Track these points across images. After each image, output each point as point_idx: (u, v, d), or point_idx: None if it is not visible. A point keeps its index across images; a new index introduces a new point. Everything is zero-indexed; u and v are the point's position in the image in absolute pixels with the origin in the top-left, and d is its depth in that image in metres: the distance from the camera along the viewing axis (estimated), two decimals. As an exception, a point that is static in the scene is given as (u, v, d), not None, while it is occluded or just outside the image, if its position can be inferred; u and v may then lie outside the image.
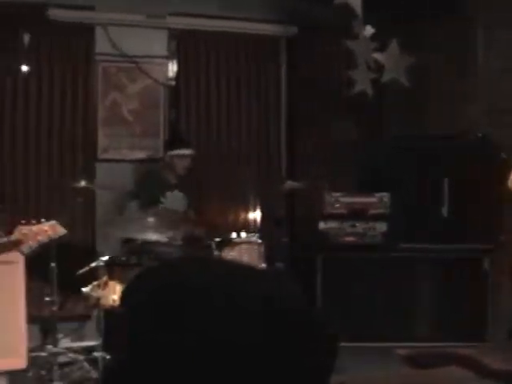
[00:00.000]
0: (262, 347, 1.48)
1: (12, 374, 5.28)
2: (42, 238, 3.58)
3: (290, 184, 6.69)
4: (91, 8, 7.38)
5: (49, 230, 3.64)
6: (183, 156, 6.84)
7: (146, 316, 1.46)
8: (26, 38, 7.05)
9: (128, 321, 1.53)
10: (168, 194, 6.83)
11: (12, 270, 5.28)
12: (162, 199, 6.76)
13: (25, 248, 3.55)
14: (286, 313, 1.26)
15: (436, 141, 7.34)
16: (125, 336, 1.71)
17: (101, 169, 7.53)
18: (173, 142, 7.16)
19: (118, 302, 2.34)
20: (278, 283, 1.34)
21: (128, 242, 6.26)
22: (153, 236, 6.13)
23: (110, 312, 5.22)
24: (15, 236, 3.52)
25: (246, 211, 7.77)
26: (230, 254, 5.81)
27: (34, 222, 3.64)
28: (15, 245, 3.50)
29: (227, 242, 5.95)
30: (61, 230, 3.68)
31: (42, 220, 3.69)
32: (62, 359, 5.56)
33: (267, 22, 7.94)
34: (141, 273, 1.99)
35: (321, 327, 1.36)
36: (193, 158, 6.91)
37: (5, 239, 3.53)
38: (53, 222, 3.68)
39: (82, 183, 5.94)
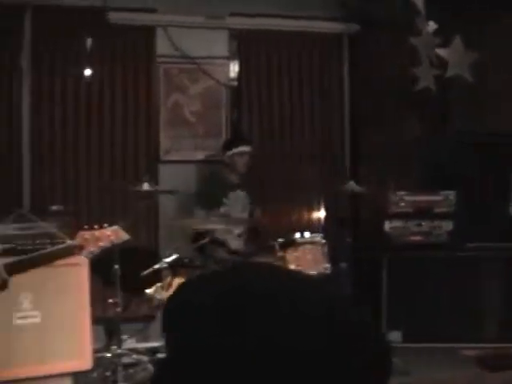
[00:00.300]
0: (323, 353, 1.43)
1: (77, 375, 5.32)
2: (103, 244, 3.56)
3: (351, 185, 6.61)
4: (152, 10, 7.40)
5: (111, 235, 3.62)
6: (242, 153, 6.86)
7: (211, 319, 1.42)
8: (89, 42, 7.10)
9: (190, 321, 1.49)
10: (230, 194, 6.84)
11: (77, 272, 5.32)
12: (225, 200, 6.77)
13: (86, 253, 3.53)
14: (349, 321, 1.21)
15: (500, 136, 7.20)
16: (184, 335, 1.68)
17: (164, 171, 7.54)
18: (232, 140, 7.16)
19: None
20: (337, 291, 1.29)
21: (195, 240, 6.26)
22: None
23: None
24: (77, 241, 3.52)
25: (310, 211, 7.73)
26: (293, 255, 5.74)
27: (96, 227, 3.63)
28: (76, 250, 3.50)
29: (291, 242, 5.90)
30: (123, 236, 3.65)
31: (105, 225, 3.67)
32: (126, 360, 5.59)
33: (328, 20, 7.85)
34: (205, 275, 1.95)
35: (378, 336, 1.31)
36: (252, 156, 6.91)
37: (66, 244, 3.52)
38: (115, 228, 3.65)
39: (145, 186, 5.94)
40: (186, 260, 6.07)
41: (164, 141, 7.62)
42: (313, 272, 5.73)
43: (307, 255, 5.78)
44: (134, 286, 5.73)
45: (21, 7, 7.03)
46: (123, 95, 7.42)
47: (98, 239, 3.53)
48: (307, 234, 6.00)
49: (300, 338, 1.25)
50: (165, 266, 5.76)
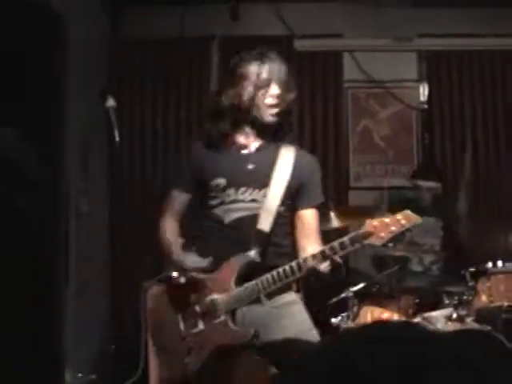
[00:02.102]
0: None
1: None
2: (395, 229, 3.45)
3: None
4: (338, 35, 7.35)
5: (402, 218, 3.50)
6: (429, 189, 6.55)
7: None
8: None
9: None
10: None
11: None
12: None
13: (376, 240, 3.45)
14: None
15: None
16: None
17: (353, 197, 7.43)
18: (421, 170, 6.90)
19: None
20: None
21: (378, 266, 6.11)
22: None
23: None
24: (365, 229, 3.44)
25: (506, 237, 7.33)
26: (485, 285, 5.48)
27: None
28: (365, 237, 3.43)
29: (482, 272, 5.61)
30: (415, 219, 3.51)
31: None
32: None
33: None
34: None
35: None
36: (436, 190, 6.59)
37: (355, 233, 3.44)
38: (407, 212, 3.53)
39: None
40: (374, 289, 5.93)
41: (353, 166, 7.51)
42: (507, 303, 5.44)
43: (500, 286, 5.49)
44: (319, 313, 5.63)
45: (209, 38, 7.23)
46: (312, 121, 7.38)
47: (387, 225, 3.43)
48: (500, 263, 5.70)
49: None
50: (351, 294, 5.64)
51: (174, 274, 5.88)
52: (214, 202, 3.63)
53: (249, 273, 3.55)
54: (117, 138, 4.66)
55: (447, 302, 5.42)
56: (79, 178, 5.99)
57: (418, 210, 6.48)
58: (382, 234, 3.40)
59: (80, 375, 5.27)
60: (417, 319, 5.30)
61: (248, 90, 3.64)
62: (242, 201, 3.60)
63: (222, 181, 3.59)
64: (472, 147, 7.48)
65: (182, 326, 3.63)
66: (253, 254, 3.55)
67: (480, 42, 7.45)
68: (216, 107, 3.73)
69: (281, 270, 3.46)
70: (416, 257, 6.38)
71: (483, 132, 7.51)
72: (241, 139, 3.72)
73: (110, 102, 4.59)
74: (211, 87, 7.19)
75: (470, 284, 5.49)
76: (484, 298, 5.42)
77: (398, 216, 3.45)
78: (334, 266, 3.54)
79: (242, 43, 7.12)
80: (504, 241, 7.15)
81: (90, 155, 6.16)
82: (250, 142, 3.72)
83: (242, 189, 3.60)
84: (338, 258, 3.46)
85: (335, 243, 3.42)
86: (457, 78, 7.53)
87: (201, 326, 3.55)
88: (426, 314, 5.33)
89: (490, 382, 0.96)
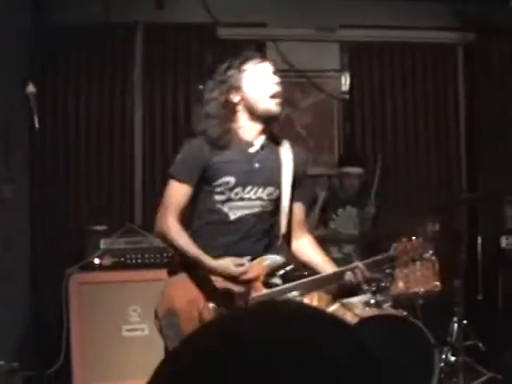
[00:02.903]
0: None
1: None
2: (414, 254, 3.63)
3: (466, 196, 6.42)
4: (262, 25, 7.41)
5: (419, 247, 3.68)
6: (351, 174, 6.66)
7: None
8: (207, 57, 7.16)
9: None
10: (340, 211, 6.67)
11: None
12: (334, 216, 6.63)
13: (398, 263, 3.60)
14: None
15: None
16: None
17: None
18: (344, 158, 7.02)
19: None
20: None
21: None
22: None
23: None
24: (391, 253, 3.63)
25: (423, 226, 7.51)
26: (402, 272, 5.61)
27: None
28: (390, 261, 3.56)
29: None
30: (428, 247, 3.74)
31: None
32: None
33: (442, 29, 7.63)
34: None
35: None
36: (362, 177, 6.70)
37: (381, 256, 3.65)
38: (420, 240, 3.68)
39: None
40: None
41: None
42: (422, 289, 5.60)
43: (417, 272, 5.63)
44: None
45: (134, 25, 7.20)
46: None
47: (410, 249, 3.62)
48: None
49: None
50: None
51: (96, 260, 5.89)
52: (219, 198, 3.68)
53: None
54: (36, 125, 4.65)
55: (366, 288, 5.53)
56: (1, 164, 5.93)
57: (337, 203, 6.65)
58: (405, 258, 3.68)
59: (2, 363, 5.25)
60: (335, 305, 5.41)
61: (251, 82, 3.70)
62: (248, 199, 3.68)
63: (230, 179, 3.64)
64: (392, 136, 7.65)
65: None
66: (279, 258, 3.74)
67: (401, 34, 7.63)
68: (216, 105, 3.74)
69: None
70: (336, 245, 6.50)
71: (403, 122, 7.70)
72: (246, 135, 3.77)
73: (30, 89, 4.58)
74: (135, 74, 7.19)
75: (388, 271, 5.62)
76: (401, 284, 5.56)
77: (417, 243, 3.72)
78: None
79: (167, 30, 7.18)
80: (421, 230, 7.36)
81: (11, 142, 6.10)
82: (254, 139, 3.77)
83: (249, 187, 3.68)
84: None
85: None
86: (378, 69, 7.69)
87: None
88: (345, 300, 5.45)
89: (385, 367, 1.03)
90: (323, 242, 5.97)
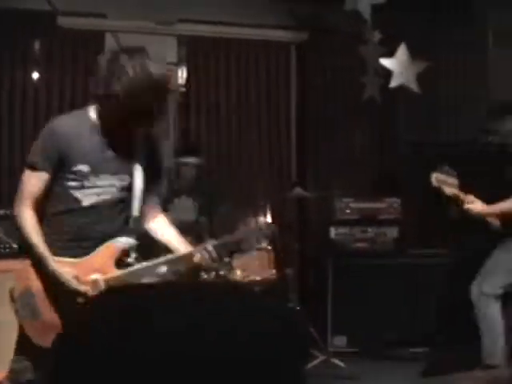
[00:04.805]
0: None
1: None
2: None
3: (298, 191, 6.66)
4: (102, 16, 7.39)
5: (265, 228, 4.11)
6: (188, 164, 6.78)
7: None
8: (37, 44, 7.07)
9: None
10: (175, 200, 6.75)
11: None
12: (169, 206, 6.68)
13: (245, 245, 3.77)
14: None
15: (447, 146, 7.34)
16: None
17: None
18: (180, 148, 7.14)
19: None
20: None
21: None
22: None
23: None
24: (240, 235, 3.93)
25: (256, 217, 7.71)
26: (239, 261, 5.77)
27: None
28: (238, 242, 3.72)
29: (237, 250, 5.91)
30: None
31: None
32: None
33: (277, 27, 7.90)
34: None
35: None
36: (200, 167, 6.84)
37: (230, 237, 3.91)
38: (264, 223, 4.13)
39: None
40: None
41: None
42: (259, 278, 5.78)
43: (254, 261, 5.81)
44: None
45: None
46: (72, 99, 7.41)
47: None
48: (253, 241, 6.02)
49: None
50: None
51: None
52: (73, 184, 3.66)
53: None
54: None
55: (205, 277, 5.64)
56: None
57: (172, 192, 6.72)
58: None
59: None
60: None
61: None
62: (102, 186, 3.68)
63: (84, 167, 3.61)
64: (226, 130, 7.85)
65: None
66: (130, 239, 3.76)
67: (238, 31, 7.85)
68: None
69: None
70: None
71: (237, 114, 7.95)
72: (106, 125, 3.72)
73: None
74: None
75: (226, 260, 5.77)
76: (239, 273, 5.72)
77: None
78: None
79: (3, 17, 7.01)
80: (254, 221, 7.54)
81: None
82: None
83: (102, 175, 3.66)
84: None
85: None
86: (213, 64, 7.88)
87: None
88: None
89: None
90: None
